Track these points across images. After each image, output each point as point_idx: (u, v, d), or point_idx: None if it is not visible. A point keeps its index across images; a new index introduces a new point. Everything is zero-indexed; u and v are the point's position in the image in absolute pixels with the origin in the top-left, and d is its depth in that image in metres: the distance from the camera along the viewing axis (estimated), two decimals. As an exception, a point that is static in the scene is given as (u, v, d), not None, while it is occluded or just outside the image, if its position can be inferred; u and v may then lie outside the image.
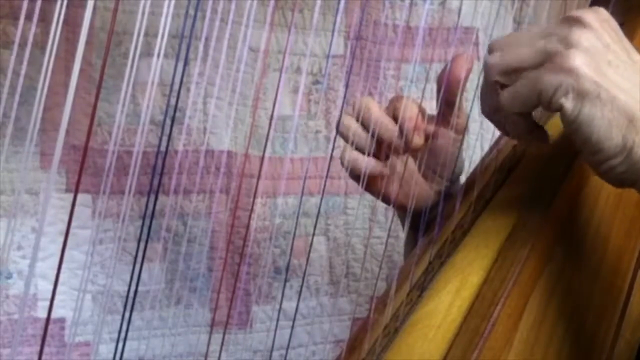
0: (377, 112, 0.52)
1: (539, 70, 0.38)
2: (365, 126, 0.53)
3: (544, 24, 0.46)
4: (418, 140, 0.52)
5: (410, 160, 0.57)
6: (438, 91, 0.53)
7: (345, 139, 0.54)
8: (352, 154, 0.53)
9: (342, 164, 0.55)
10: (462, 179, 0.60)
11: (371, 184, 0.55)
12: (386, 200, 0.57)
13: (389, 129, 0.52)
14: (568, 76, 0.36)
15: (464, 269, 0.46)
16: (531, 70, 0.39)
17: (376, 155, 0.54)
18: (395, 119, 0.53)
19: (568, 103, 0.36)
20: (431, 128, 0.54)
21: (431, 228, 0.54)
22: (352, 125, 0.53)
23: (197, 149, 0.88)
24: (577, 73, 0.36)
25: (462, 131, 0.55)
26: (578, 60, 0.36)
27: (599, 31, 0.38)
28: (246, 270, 0.94)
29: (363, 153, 0.53)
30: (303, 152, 0.95)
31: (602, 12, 0.39)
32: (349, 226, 0.98)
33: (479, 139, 0.92)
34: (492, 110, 0.43)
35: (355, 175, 0.54)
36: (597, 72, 0.36)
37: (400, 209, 0.59)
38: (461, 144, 0.56)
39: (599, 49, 0.37)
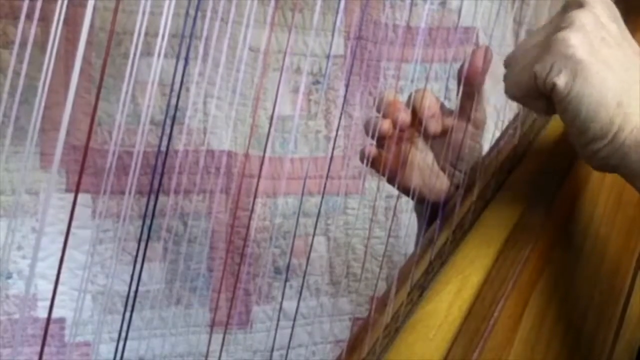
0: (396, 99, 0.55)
1: (535, 57, 0.39)
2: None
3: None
4: (435, 125, 0.54)
5: (429, 154, 0.58)
6: (458, 84, 0.54)
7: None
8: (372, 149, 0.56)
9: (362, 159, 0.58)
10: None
11: (391, 175, 0.57)
12: (406, 191, 0.58)
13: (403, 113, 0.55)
14: (561, 54, 0.37)
15: (465, 269, 0.46)
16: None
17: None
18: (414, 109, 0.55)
19: (560, 80, 0.37)
20: (449, 121, 0.55)
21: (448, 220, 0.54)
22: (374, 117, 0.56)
23: (197, 149, 0.88)
24: (569, 50, 0.37)
25: (481, 125, 0.57)
26: (572, 39, 0.37)
27: (597, 9, 0.38)
28: (246, 270, 0.94)
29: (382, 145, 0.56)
30: (303, 152, 0.95)
31: None
32: (349, 226, 0.98)
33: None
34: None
35: (376, 166, 0.57)
36: (590, 49, 0.37)
37: (419, 201, 0.60)
38: (480, 138, 0.58)
39: (593, 27, 0.38)
